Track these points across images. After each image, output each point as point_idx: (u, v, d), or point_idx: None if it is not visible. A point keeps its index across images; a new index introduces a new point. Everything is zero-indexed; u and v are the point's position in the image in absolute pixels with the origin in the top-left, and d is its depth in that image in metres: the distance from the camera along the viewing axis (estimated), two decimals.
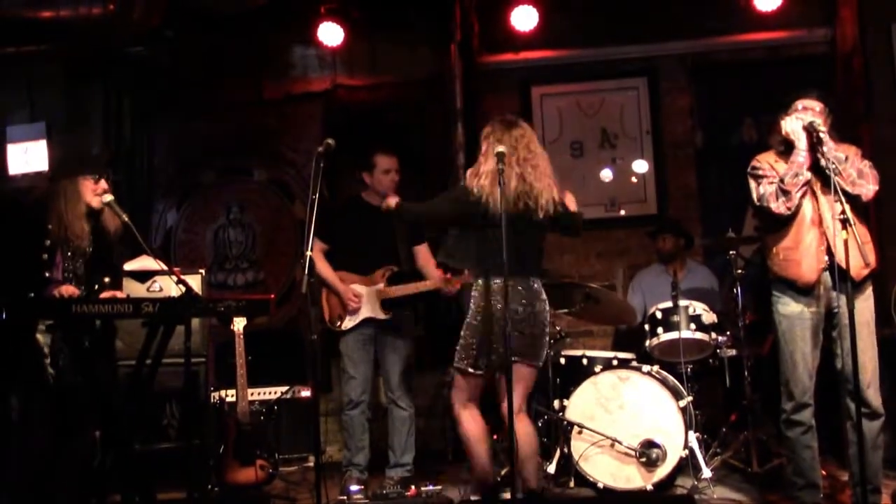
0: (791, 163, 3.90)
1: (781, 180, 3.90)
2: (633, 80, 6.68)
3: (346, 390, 5.13)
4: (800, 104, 3.99)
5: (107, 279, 4.28)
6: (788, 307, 4.00)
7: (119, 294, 4.28)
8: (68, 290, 4.10)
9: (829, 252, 3.86)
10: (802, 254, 3.92)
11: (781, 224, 3.97)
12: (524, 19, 6.26)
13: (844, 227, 3.69)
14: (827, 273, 3.90)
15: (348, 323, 5.08)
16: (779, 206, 3.91)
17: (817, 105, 3.98)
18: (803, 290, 3.94)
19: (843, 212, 3.69)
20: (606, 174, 6.64)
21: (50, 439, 4.17)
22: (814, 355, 3.98)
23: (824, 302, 3.94)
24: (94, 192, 4.23)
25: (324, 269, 5.10)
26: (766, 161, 4.06)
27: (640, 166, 6.63)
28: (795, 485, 4.01)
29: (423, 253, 5.24)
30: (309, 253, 3.98)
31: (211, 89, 6.88)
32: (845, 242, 3.69)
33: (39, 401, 4.15)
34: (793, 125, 3.92)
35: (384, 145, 5.29)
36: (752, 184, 4.05)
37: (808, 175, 3.89)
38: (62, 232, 4.15)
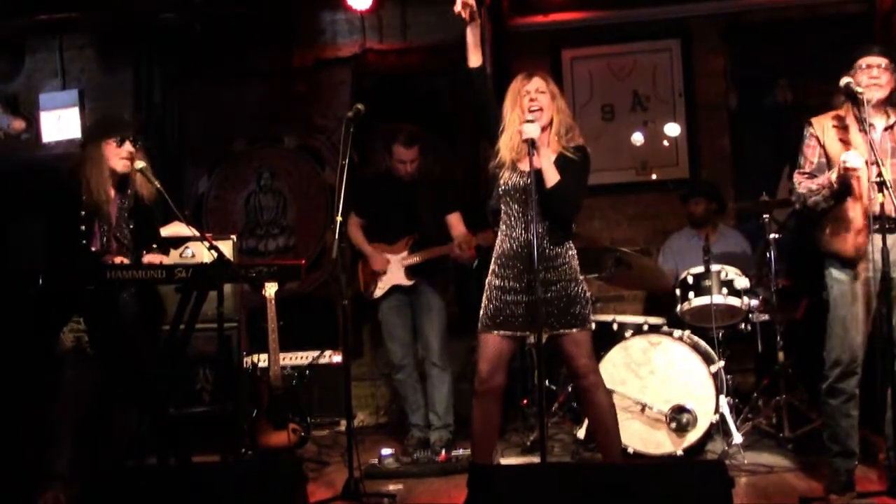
0: (822, 186, 3.82)
1: (807, 197, 3.86)
2: (665, 41, 6.58)
3: (389, 356, 5.36)
4: (863, 62, 3.84)
5: (154, 245, 4.30)
6: (840, 272, 3.90)
7: (164, 258, 4.30)
8: (118, 260, 4.14)
9: (879, 217, 3.72)
10: (846, 227, 3.84)
11: None
12: None
13: (881, 190, 3.63)
14: (876, 236, 3.75)
15: (378, 291, 5.26)
16: (801, 211, 3.95)
17: (882, 60, 3.82)
18: (850, 263, 3.87)
19: (880, 174, 3.62)
20: (638, 137, 6.57)
21: (90, 402, 4.25)
22: (866, 321, 3.87)
23: (879, 267, 3.78)
24: (119, 156, 4.20)
25: (356, 237, 5.33)
26: (820, 127, 3.93)
27: (673, 129, 6.55)
28: (830, 450, 3.98)
29: (453, 221, 5.28)
30: (339, 218, 4.00)
31: (241, 56, 6.87)
32: (882, 205, 3.64)
33: (81, 364, 4.21)
34: (855, 161, 3.69)
35: (406, 135, 5.29)
36: (800, 156, 3.99)
37: (828, 204, 3.83)
38: (91, 198, 4.15)
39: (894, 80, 3.83)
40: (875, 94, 3.79)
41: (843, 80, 3.79)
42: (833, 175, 3.77)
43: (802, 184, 3.92)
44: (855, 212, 3.83)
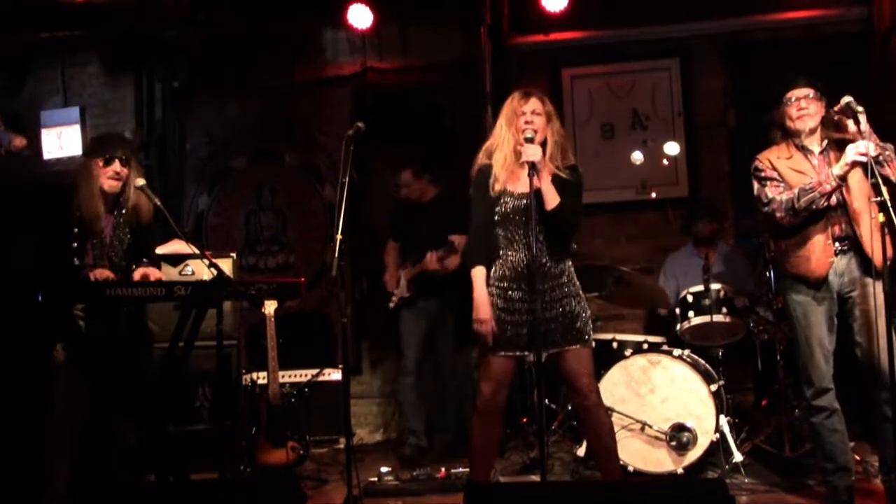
0: (819, 184, 3.84)
1: (798, 197, 3.86)
2: (664, 60, 6.60)
3: (403, 362, 5.73)
4: (791, 95, 3.99)
5: (144, 259, 4.30)
6: (801, 294, 3.99)
7: (156, 271, 4.29)
8: (102, 273, 4.14)
9: (838, 239, 3.87)
10: (810, 250, 3.92)
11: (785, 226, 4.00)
12: (554, 0, 6.19)
13: (881, 210, 3.65)
14: (837, 259, 3.89)
15: (391, 304, 5.78)
16: (783, 218, 3.94)
17: (808, 91, 3.97)
18: (815, 285, 3.94)
19: (880, 193, 3.65)
20: (637, 156, 6.58)
21: (86, 418, 4.24)
22: (830, 339, 3.97)
23: (836, 287, 3.94)
24: (105, 175, 4.22)
25: (388, 259, 5.85)
26: (767, 159, 4.06)
27: (672, 148, 6.56)
28: (826, 469, 3.99)
29: (458, 242, 5.34)
30: (339, 236, 4.01)
31: (242, 73, 6.90)
32: (881, 225, 3.66)
33: (74, 380, 4.20)
34: (864, 147, 3.75)
35: (402, 162, 5.78)
36: (756, 185, 4.08)
37: (823, 204, 3.86)
38: (83, 215, 4.16)
39: (823, 107, 3.96)
40: (807, 123, 3.98)
41: (845, 100, 3.85)
42: (837, 169, 3.82)
43: (784, 192, 3.95)
44: (817, 233, 3.91)
